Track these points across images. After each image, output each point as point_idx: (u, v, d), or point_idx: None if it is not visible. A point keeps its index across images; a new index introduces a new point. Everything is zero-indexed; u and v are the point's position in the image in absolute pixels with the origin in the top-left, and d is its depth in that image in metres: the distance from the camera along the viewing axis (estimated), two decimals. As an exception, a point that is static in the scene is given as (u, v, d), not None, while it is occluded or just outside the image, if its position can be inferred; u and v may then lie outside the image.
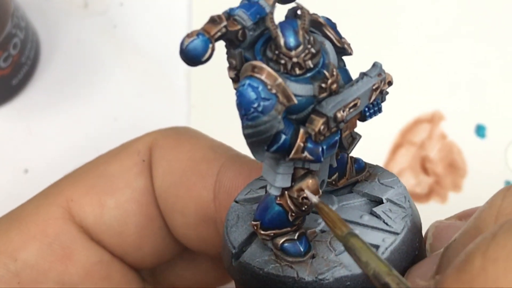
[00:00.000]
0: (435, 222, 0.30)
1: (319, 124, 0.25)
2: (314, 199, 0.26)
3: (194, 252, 0.38)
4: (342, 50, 0.26)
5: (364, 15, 0.54)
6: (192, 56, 0.25)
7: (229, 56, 0.26)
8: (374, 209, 0.29)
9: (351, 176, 0.30)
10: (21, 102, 0.54)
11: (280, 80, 0.24)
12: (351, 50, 0.27)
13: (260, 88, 0.24)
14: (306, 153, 0.25)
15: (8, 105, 0.54)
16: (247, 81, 0.24)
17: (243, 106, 0.24)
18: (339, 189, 0.30)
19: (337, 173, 0.29)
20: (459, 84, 0.54)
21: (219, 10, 0.26)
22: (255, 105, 0.24)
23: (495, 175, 0.52)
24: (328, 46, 0.26)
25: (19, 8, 0.52)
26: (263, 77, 0.24)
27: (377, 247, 0.27)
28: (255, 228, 0.28)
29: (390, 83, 0.27)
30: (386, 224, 0.28)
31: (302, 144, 0.25)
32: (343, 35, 0.27)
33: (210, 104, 0.54)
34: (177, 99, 0.54)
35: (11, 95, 0.54)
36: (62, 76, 0.55)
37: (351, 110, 0.26)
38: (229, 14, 0.25)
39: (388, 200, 0.29)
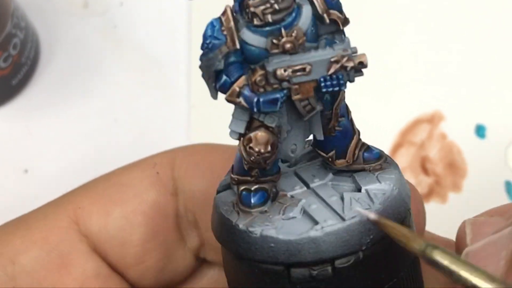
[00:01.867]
0: (467, 220, 0.29)
1: (256, 74, 0.26)
2: (372, 216, 0.26)
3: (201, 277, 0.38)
4: (322, 19, 0.27)
5: (364, 15, 0.54)
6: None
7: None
8: (345, 193, 0.29)
9: (357, 162, 0.30)
10: (21, 102, 0.54)
11: (232, 24, 0.26)
12: (340, 24, 0.27)
13: (217, 27, 0.26)
14: (241, 99, 0.27)
15: (8, 105, 0.54)
16: (212, 20, 0.26)
17: (202, 41, 0.26)
18: (343, 171, 0.30)
19: (334, 151, 0.29)
20: (459, 84, 0.54)
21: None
22: (208, 41, 0.26)
23: (495, 175, 0.52)
24: (306, 10, 0.27)
25: (19, 8, 0.52)
26: (223, 19, 0.26)
27: (316, 223, 0.27)
28: (230, 170, 0.30)
29: (362, 64, 0.27)
30: (343, 209, 0.28)
31: (237, 89, 0.27)
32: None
33: (210, 104, 0.54)
34: (177, 99, 0.54)
35: (11, 95, 0.54)
36: (62, 76, 0.55)
37: (298, 73, 0.26)
38: None
39: (366, 191, 0.29)
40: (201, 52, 0.27)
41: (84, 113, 0.54)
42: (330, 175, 0.30)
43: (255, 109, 0.27)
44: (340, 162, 0.30)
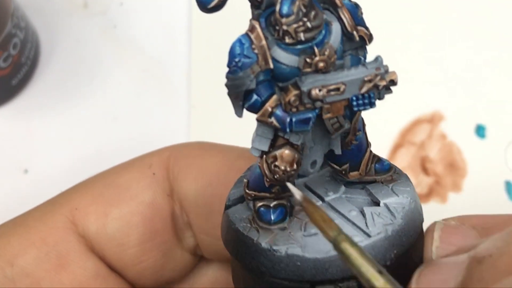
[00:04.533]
0: (438, 223, 0.29)
1: (290, 94, 0.26)
2: (298, 196, 0.26)
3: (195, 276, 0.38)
4: (351, 36, 0.27)
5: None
6: (200, 1, 0.26)
7: (252, 16, 0.27)
8: (365, 208, 0.29)
9: (369, 174, 0.30)
10: (21, 102, 0.54)
11: (264, 42, 0.25)
12: (367, 41, 0.27)
13: (246, 45, 0.25)
14: (273, 119, 0.26)
15: (8, 105, 0.54)
16: (240, 37, 0.26)
17: (228, 59, 0.26)
18: (354, 183, 0.30)
19: (348, 164, 0.29)
20: (459, 84, 0.54)
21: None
22: (237, 59, 0.25)
23: (495, 175, 0.52)
24: (335, 27, 0.26)
25: (19, 8, 0.52)
26: (252, 36, 0.25)
27: None
28: (244, 185, 0.29)
29: (392, 82, 0.27)
30: (366, 224, 0.28)
31: (270, 109, 0.26)
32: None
33: (210, 104, 0.54)
34: (177, 99, 0.54)
35: (11, 95, 0.54)
36: (62, 76, 0.55)
37: (332, 93, 0.26)
38: None
39: (385, 205, 0.29)
40: (227, 70, 0.26)
41: (84, 113, 0.54)
42: (343, 188, 0.30)
43: (287, 130, 0.26)
44: (353, 175, 0.30)
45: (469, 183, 0.52)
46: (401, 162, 0.52)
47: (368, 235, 0.27)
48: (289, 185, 0.27)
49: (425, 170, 0.52)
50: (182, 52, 0.55)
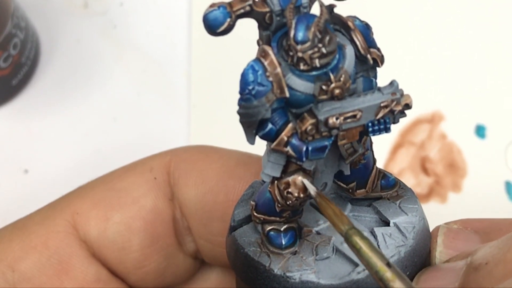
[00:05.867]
0: (441, 227, 0.29)
1: (307, 123, 0.25)
2: (312, 191, 0.26)
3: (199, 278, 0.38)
4: (364, 59, 0.26)
5: (364, 16, 0.54)
6: (209, 26, 0.25)
7: (259, 36, 0.26)
8: (375, 228, 0.28)
9: (375, 190, 0.30)
10: (21, 102, 0.54)
11: (279, 69, 0.25)
12: (379, 63, 0.26)
13: (260, 72, 0.25)
14: (289, 148, 0.25)
15: (8, 105, 0.54)
16: (252, 63, 0.25)
17: (241, 86, 0.25)
18: (360, 199, 0.30)
19: (355, 182, 0.29)
20: (459, 84, 0.54)
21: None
22: (250, 87, 0.25)
23: (495, 175, 0.52)
24: (349, 51, 0.26)
25: (19, 8, 0.52)
26: (266, 63, 0.25)
27: (356, 264, 0.27)
28: (251, 208, 0.28)
29: (407, 106, 0.26)
30: (378, 246, 0.28)
31: (285, 138, 0.25)
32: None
33: (210, 104, 0.54)
34: (177, 99, 0.54)
35: (11, 95, 0.54)
36: (62, 76, 0.55)
37: (349, 120, 0.25)
38: None
39: (395, 224, 0.28)
40: (239, 97, 0.25)
41: (84, 113, 0.54)
42: (349, 206, 0.30)
43: (304, 159, 0.25)
44: (360, 192, 0.29)
45: (469, 183, 0.52)
46: (401, 162, 0.52)
47: None
48: (304, 180, 0.26)
49: (425, 170, 0.52)
50: (182, 52, 0.55)
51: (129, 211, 0.35)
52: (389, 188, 0.30)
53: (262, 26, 0.26)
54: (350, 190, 0.29)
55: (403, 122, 0.53)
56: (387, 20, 0.55)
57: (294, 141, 0.25)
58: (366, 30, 0.26)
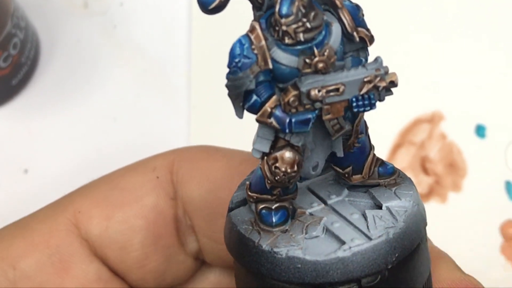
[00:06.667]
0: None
1: (290, 95, 0.26)
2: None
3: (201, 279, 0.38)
4: (351, 37, 0.26)
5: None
6: (202, 2, 0.26)
7: (254, 17, 0.27)
8: (367, 211, 0.28)
9: (372, 177, 0.30)
10: (21, 102, 0.54)
11: (263, 42, 0.25)
12: (367, 42, 0.27)
13: (246, 45, 0.25)
14: (272, 119, 0.26)
15: (8, 105, 0.54)
16: (240, 38, 0.26)
17: (229, 59, 0.26)
18: (357, 186, 0.30)
19: (351, 167, 0.29)
20: (459, 84, 0.54)
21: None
22: (237, 60, 0.25)
23: (495, 175, 0.52)
24: (335, 28, 0.26)
25: (19, 8, 0.52)
26: (252, 37, 0.25)
27: (343, 243, 0.27)
28: (246, 188, 0.29)
29: (392, 83, 0.27)
30: (367, 228, 0.28)
31: (269, 109, 0.26)
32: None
33: (210, 104, 0.54)
34: (177, 99, 0.54)
35: (11, 95, 0.54)
36: (62, 76, 0.55)
37: (332, 93, 0.26)
38: None
39: (387, 208, 0.29)
40: (227, 69, 0.26)
41: (84, 113, 0.54)
42: (346, 191, 0.30)
43: (287, 130, 0.26)
44: (356, 178, 0.29)
45: (469, 183, 0.52)
46: (401, 162, 0.52)
47: (369, 238, 0.27)
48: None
49: (425, 170, 0.52)
50: (182, 52, 0.55)
51: (131, 209, 0.35)
52: (387, 176, 0.30)
53: (256, 7, 0.27)
54: (347, 175, 0.29)
55: (403, 122, 0.53)
56: (388, 20, 0.55)
57: (278, 112, 0.26)
58: (355, 10, 0.27)
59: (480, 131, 0.53)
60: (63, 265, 0.34)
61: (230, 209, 0.30)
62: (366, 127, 0.29)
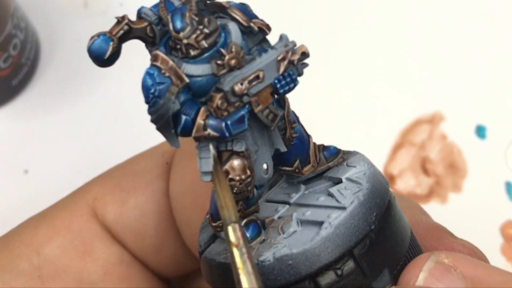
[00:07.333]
0: (433, 255, 0.28)
1: (216, 99, 0.26)
2: (212, 152, 0.27)
3: None
4: (249, 29, 0.27)
5: (364, 16, 0.54)
6: (95, 56, 0.27)
7: (151, 57, 0.27)
8: (330, 189, 0.29)
9: (320, 163, 0.30)
10: (21, 102, 0.54)
11: (171, 63, 0.25)
12: (266, 30, 0.27)
13: (156, 74, 0.26)
14: (209, 130, 0.26)
15: (8, 105, 0.54)
16: (146, 70, 0.26)
17: (144, 94, 0.26)
18: (312, 178, 0.30)
19: (298, 160, 0.29)
20: (459, 85, 0.54)
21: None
22: (152, 90, 0.26)
23: (495, 176, 0.52)
24: (232, 26, 0.26)
25: (19, 9, 0.52)
26: (158, 63, 0.26)
27: (321, 223, 0.27)
28: (208, 221, 0.29)
29: (304, 54, 0.27)
30: (337, 201, 0.28)
31: (202, 122, 0.26)
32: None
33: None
34: (177, 99, 0.54)
35: (11, 95, 0.54)
36: (62, 77, 0.55)
37: (254, 82, 0.26)
38: (138, 13, 0.27)
39: (347, 179, 0.29)
40: (147, 106, 0.26)
41: (84, 113, 0.54)
42: (302, 186, 0.30)
43: (226, 134, 0.26)
44: (307, 169, 0.30)
45: (469, 184, 0.52)
46: (402, 162, 0.52)
47: (343, 208, 0.27)
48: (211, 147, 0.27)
49: (425, 170, 0.52)
50: (182, 52, 0.55)
51: (143, 194, 0.35)
52: (334, 157, 0.30)
53: (149, 43, 0.27)
54: (297, 170, 0.30)
55: (403, 122, 0.53)
56: (388, 21, 0.55)
57: (211, 121, 0.26)
58: (243, 6, 0.27)
59: (480, 131, 0.53)
60: (85, 248, 0.35)
61: (201, 253, 0.30)
62: (296, 116, 0.29)
